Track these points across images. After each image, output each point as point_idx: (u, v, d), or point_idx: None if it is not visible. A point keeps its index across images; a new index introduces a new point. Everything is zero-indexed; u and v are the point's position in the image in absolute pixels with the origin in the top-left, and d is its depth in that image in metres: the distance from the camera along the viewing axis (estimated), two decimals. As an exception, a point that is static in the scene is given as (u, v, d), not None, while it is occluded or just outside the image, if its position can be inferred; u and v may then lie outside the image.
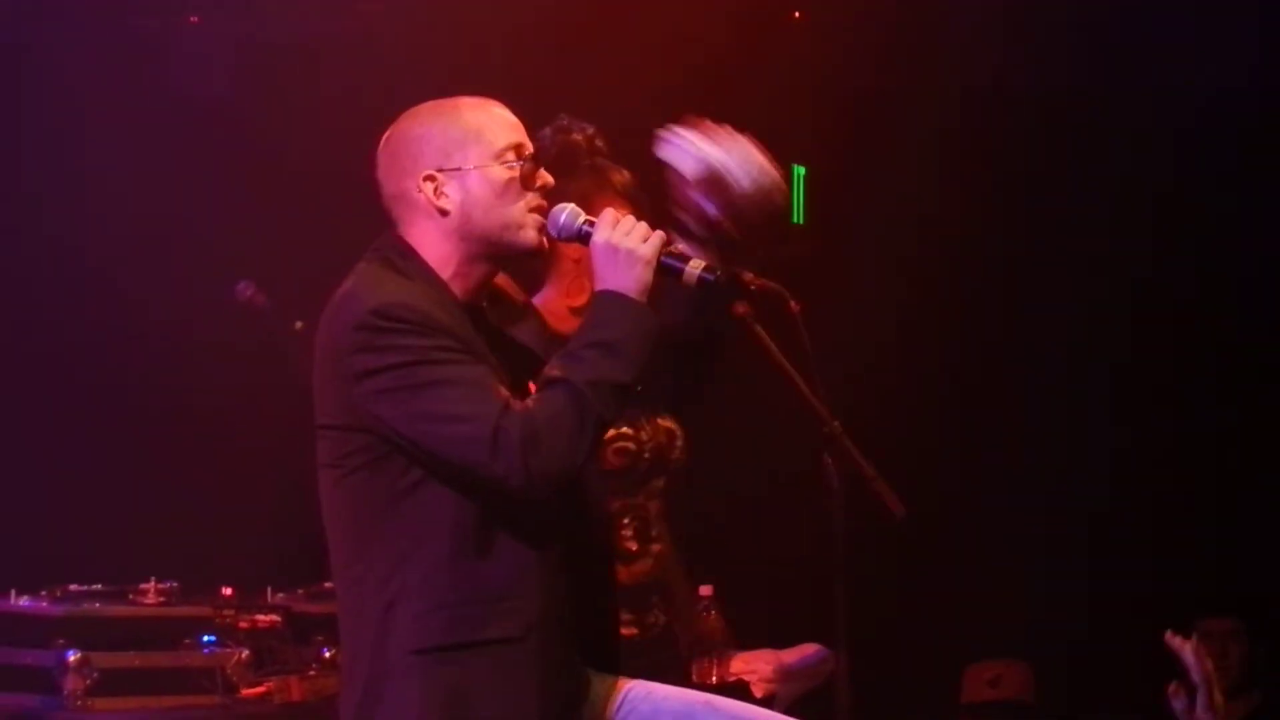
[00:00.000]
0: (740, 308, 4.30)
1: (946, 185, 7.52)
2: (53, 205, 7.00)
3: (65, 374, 6.97)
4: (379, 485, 3.49)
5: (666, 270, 3.58)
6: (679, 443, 4.61)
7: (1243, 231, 7.57)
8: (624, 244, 3.53)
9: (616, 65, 6.87)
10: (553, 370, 3.48)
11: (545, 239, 3.62)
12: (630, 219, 3.58)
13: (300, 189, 6.83)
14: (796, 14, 7.48)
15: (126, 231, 6.88)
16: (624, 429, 4.51)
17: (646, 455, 4.52)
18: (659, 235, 3.57)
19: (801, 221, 7.25)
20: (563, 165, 4.42)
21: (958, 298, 7.72)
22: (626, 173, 4.51)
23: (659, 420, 4.59)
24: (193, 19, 7.17)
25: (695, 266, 3.60)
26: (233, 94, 7.14)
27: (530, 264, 4.31)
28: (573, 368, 3.46)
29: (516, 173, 3.57)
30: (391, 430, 3.45)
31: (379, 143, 3.69)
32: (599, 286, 3.54)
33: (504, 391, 3.46)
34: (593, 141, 4.54)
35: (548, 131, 4.52)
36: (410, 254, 3.57)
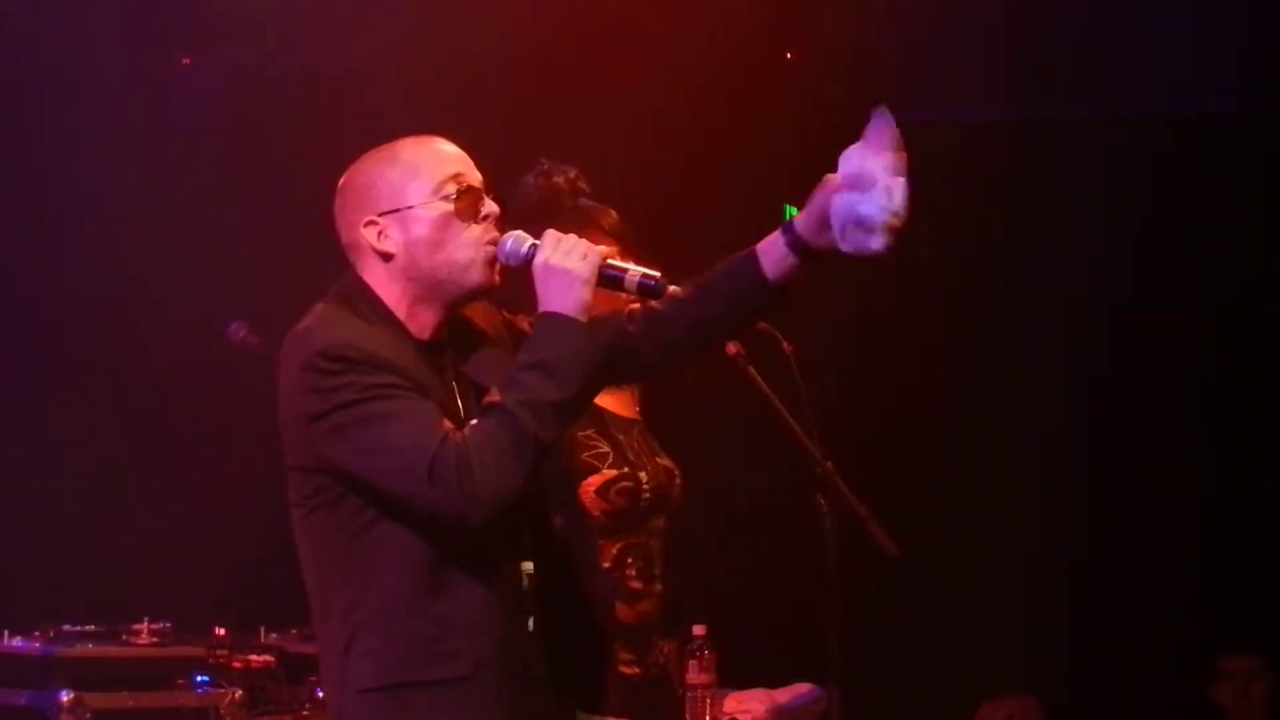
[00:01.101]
0: (732, 348, 4.31)
1: (939, 220, 7.52)
2: (50, 236, 7.02)
3: (58, 413, 6.96)
4: (337, 524, 3.49)
5: (609, 282, 3.57)
6: (677, 482, 4.58)
7: (1233, 253, 7.59)
8: (561, 264, 3.53)
9: (608, 105, 6.88)
10: (490, 395, 3.49)
11: (497, 273, 3.58)
12: (571, 238, 3.57)
13: (294, 227, 6.82)
14: (789, 55, 7.49)
15: (123, 269, 6.90)
16: (623, 469, 4.48)
17: (647, 494, 4.49)
18: (597, 251, 3.56)
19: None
20: (546, 209, 4.40)
21: (952, 333, 7.72)
22: (613, 213, 4.46)
23: (658, 459, 4.57)
24: (185, 60, 7.19)
25: (635, 273, 3.59)
26: (229, 132, 7.15)
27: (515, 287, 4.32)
28: (507, 391, 3.46)
29: (453, 205, 3.55)
30: (338, 469, 3.45)
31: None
32: (541, 308, 3.54)
33: (446, 424, 3.46)
34: (575, 184, 4.50)
35: (530, 177, 4.50)
36: (367, 293, 3.57)
